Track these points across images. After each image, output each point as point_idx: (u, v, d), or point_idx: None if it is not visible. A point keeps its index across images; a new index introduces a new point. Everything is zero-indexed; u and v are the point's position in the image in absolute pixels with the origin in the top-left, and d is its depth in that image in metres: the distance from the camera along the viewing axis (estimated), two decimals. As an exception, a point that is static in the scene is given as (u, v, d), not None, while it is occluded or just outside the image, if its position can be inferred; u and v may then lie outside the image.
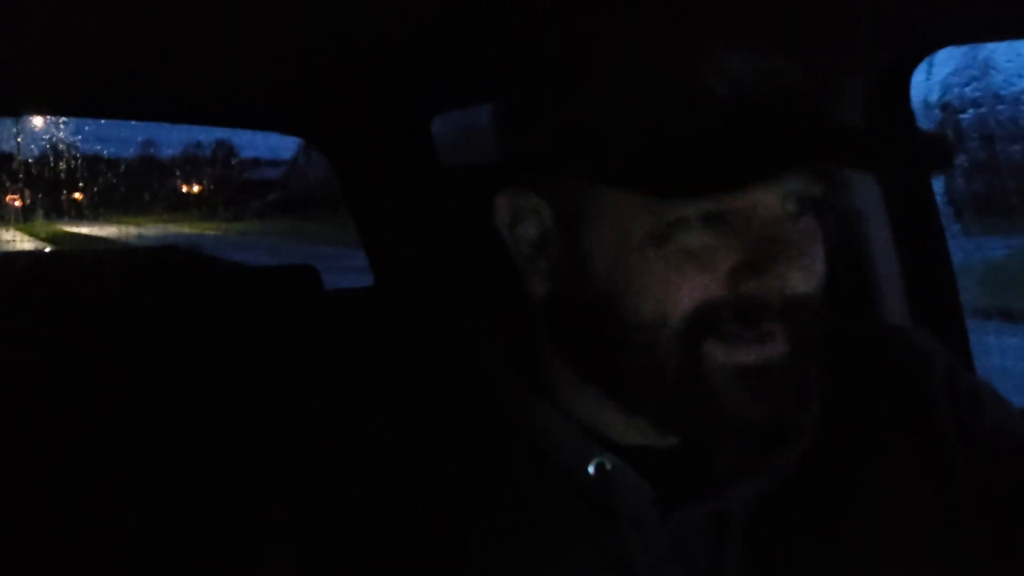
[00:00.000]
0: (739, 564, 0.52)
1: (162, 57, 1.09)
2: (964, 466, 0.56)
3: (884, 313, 0.92)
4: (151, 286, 1.40)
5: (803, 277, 0.47)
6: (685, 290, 0.47)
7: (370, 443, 0.56)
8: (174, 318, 1.32)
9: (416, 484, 0.54)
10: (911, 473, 0.56)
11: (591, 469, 0.52)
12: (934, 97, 0.95)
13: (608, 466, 0.51)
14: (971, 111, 1.11)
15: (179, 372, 1.27)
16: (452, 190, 1.43)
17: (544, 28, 0.53)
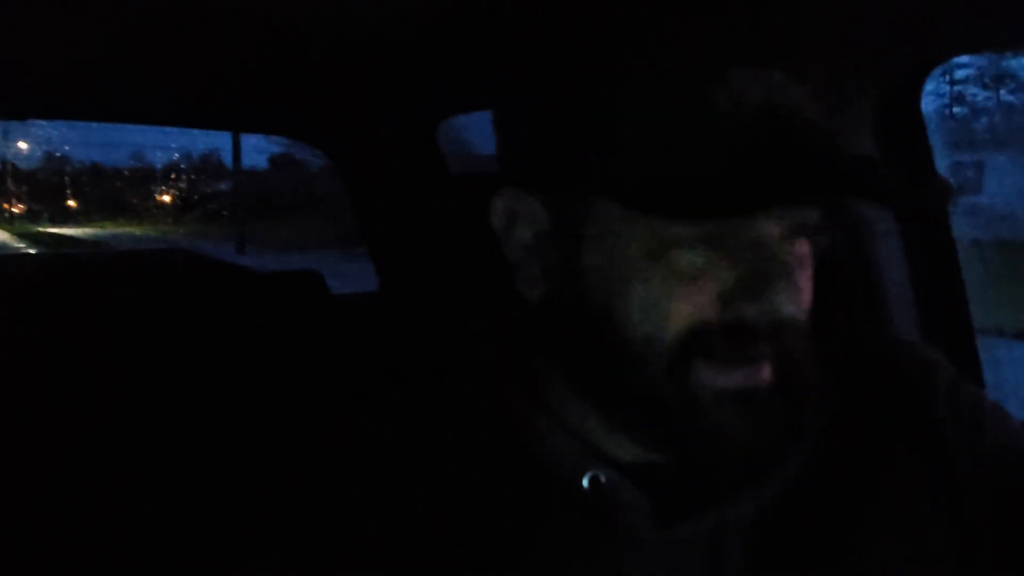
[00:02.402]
0: (739, 574, 0.51)
1: (166, 61, 1.09)
2: (968, 479, 0.55)
3: (894, 326, 0.91)
4: (156, 288, 1.40)
5: (793, 301, 0.47)
6: (677, 309, 0.47)
7: (370, 445, 0.56)
8: (178, 321, 1.32)
9: (414, 488, 0.53)
10: (915, 486, 0.55)
11: (585, 482, 0.51)
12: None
13: (603, 479, 0.51)
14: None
15: (184, 376, 1.27)
16: (458, 195, 1.42)
17: (557, 42, 0.53)
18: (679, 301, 0.47)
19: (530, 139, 0.54)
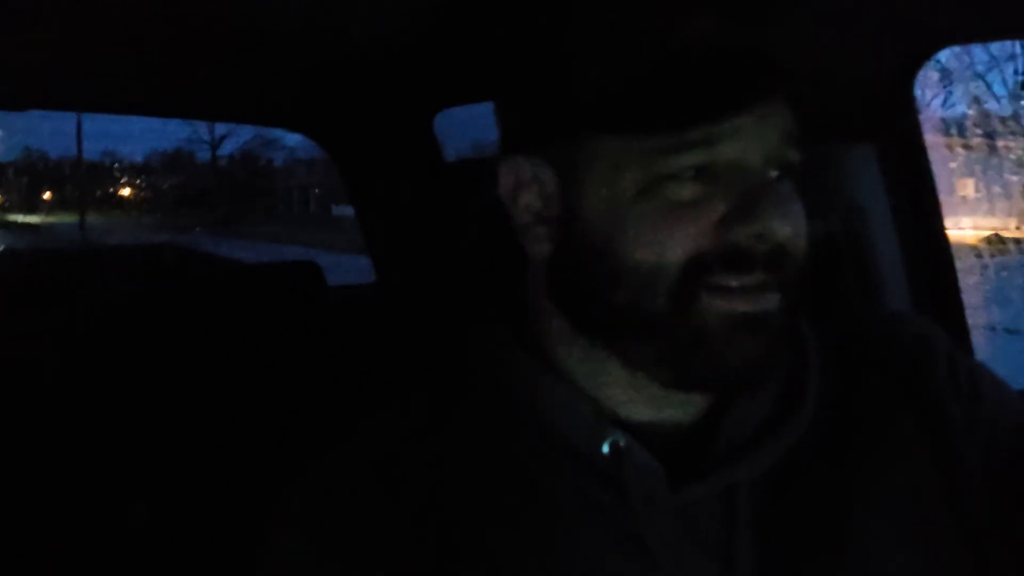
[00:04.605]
0: (749, 539, 0.53)
1: (168, 54, 1.09)
2: (967, 445, 0.57)
3: (886, 303, 0.92)
4: (152, 283, 1.40)
5: (786, 224, 0.50)
6: (677, 239, 0.50)
7: (384, 435, 0.57)
8: (175, 316, 1.32)
9: (430, 473, 0.54)
10: (916, 452, 0.57)
11: (605, 448, 0.53)
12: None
13: (621, 444, 0.52)
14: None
15: (181, 370, 1.26)
16: (455, 186, 1.43)
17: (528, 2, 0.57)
18: (676, 231, 0.50)
19: (522, 99, 0.57)
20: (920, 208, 0.93)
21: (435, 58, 1.15)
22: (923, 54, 0.91)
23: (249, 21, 0.98)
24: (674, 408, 0.55)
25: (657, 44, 0.50)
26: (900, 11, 0.83)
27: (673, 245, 0.50)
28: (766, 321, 0.51)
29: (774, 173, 0.52)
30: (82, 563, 1.12)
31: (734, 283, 0.50)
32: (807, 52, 0.82)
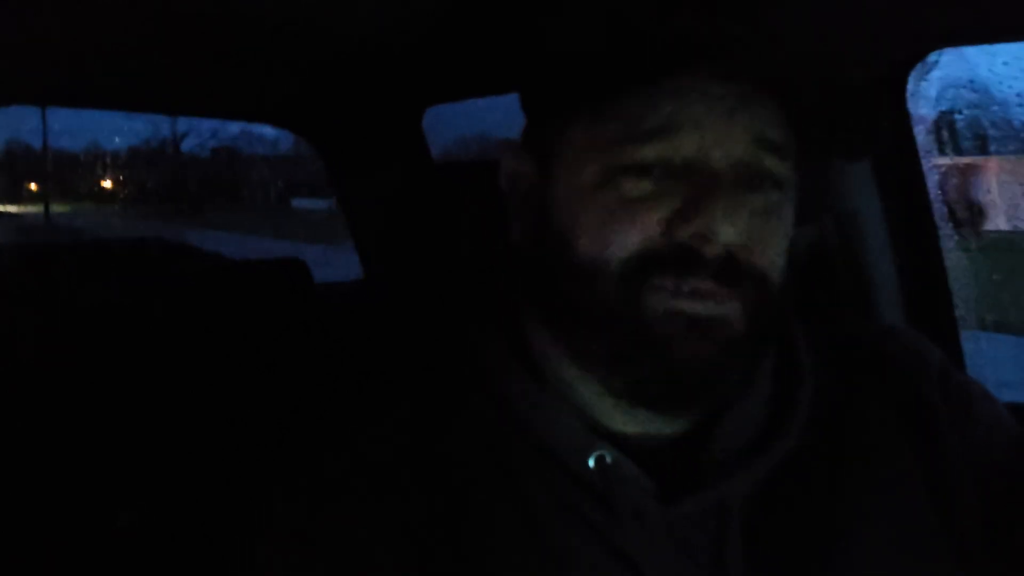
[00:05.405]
0: (739, 554, 0.52)
1: (154, 51, 1.08)
2: (958, 460, 0.56)
3: (878, 314, 0.92)
4: (136, 280, 1.38)
5: (731, 227, 0.48)
6: (624, 233, 0.50)
7: (372, 439, 0.56)
8: (160, 314, 1.30)
9: (418, 479, 0.54)
10: (907, 467, 0.56)
11: (591, 462, 0.52)
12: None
13: (608, 459, 0.52)
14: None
15: (166, 368, 1.25)
16: (443, 183, 1.42)
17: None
18: (626, 225, 0.50)
19: (521, 96, 0.58)
20: (913, 215, 0.93)
21: (424, 55, 1.15)
22: (914, 58, 0.91)
23: (237, 18, 0.96)
24: (663, 421, 0.54)
25: (622, 23, 0.51)
26: (891, 14, 0.83)
27: (620, 240, 0.50)
28: (715, 327, 0.49)
29: (737, 175, 0.50)
30: (69, 565, 1.11)
31: (680, 285, 0.49)
32: (795, 54, 0.82)
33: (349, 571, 0.52)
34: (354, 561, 0.52)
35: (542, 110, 0.56)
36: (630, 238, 0.49)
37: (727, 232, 0.48)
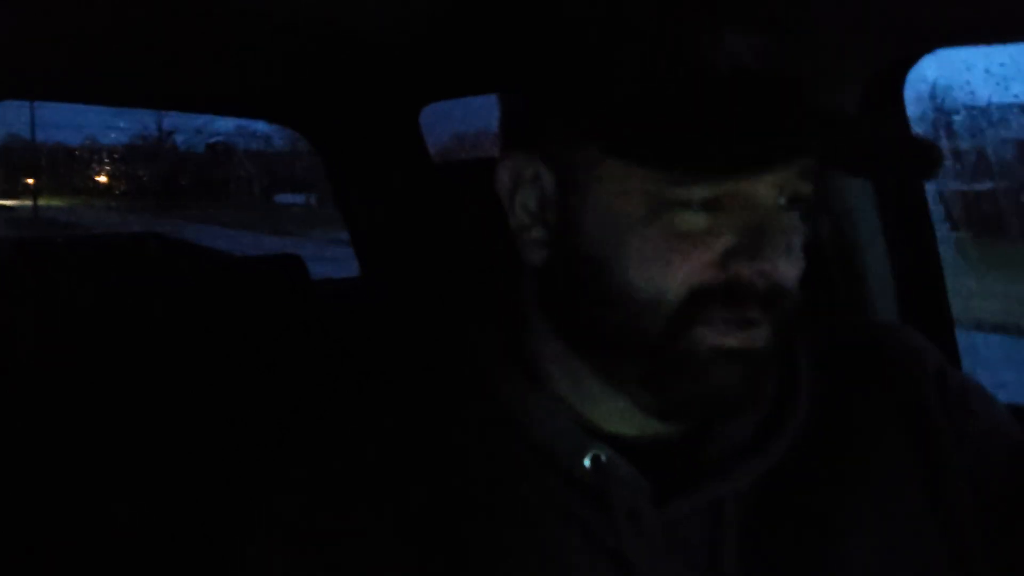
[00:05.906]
0: (734, 555, 0.52)
1: (151, 46, 1.08)
2: (956, 461, 0.56)
3: (874, 313, 0.92)
4: (134, 275, 1.38)
5: (790, 265, 0.49)
6: (681, 269, 0.48)
7: (369, 438, 0.56)
8: (157, 309, 1.30)
9: (413, 479, 0.54)
10: (904, 467, 0.56)
11: (587, 462, 0.52)
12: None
13: (603, 458, 0.52)
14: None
15: (163, 364, 1.25)
16: (440, 180, 1.42)
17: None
18: (680, 262, 0.48)
19: (536, 98, 0.55)
20: (909, 215, 0.93)
21: (423, 52, 1.14)
22: (911, 57, 0.91)
23: (235, 13, 0.96)
24: (660, 422, 0.54)
25: (687, 66, 0.48)
26: (887, 13, 0.83)
27: (676, 274, 0.48)
28: (751, 356, 0.50)
29: (782, 200, 0.50)
30: (66, 561, 1.11)
31: (730, 318, 0.49)
32: (800, 40, 0.82)
33: (346, 570, 0.52)
34: (350, 560, 0.52)
35: (575, 134, 0.51)
36: (688, 274, 0.48)
37: (785, 267, 0.49)
